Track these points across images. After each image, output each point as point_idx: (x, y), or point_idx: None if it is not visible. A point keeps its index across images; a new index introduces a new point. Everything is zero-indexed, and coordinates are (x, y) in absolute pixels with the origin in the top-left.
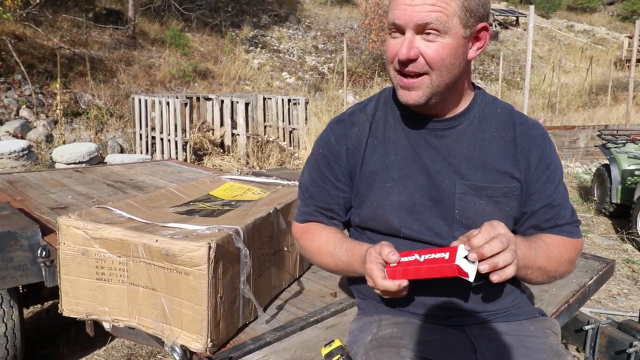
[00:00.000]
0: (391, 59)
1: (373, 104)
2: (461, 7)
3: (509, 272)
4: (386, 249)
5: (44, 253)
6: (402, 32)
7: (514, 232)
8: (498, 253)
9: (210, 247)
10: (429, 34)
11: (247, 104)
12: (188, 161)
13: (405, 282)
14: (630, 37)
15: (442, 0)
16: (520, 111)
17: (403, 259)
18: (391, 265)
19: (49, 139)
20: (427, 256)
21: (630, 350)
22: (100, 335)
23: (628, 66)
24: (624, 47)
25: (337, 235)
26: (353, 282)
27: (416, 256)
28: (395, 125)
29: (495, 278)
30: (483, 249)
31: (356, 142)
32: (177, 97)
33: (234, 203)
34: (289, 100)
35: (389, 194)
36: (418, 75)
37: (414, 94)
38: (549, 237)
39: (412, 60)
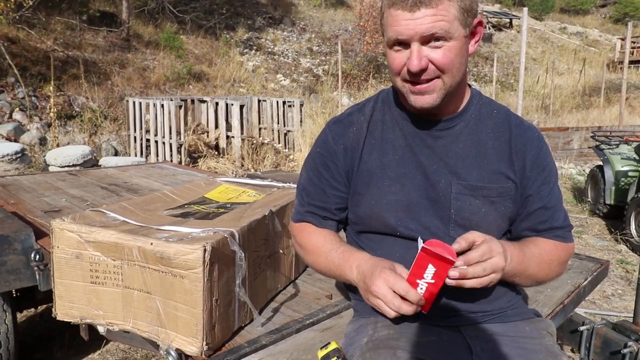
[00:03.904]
0: (398, 72)
1: (371, 105)
2: (459, 10)
3: (467, 284)
4: (412, 295)
5: (37, 257)
6: (407, 46)
7: (509, 232)
8: (474, 278)
9: (205, 250)
10: (435, 41)
11: (241, 107)
12: (183, 164)
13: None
14: (623, 39)
15: (441, 8)
16: (515, 113)
17: (418, 290)
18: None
19: (43, 141)
20: (428, 278)
21: (625, 350)
22: (95, 339)
23: (621, 68)
24: (616, 49)
25: (334, 238)
26: (349, 285)
27: (424, 283)
28: (392, 125)
29: (450, 282)
30: (467, 272)
31: (354, 142)
32: (171, 100)
33: (229, 205)
34: (284, 103)
35: (386, 193)
36: (429, 80)
37: (429, 97)
38: (543, 242)
39: (424, 70)
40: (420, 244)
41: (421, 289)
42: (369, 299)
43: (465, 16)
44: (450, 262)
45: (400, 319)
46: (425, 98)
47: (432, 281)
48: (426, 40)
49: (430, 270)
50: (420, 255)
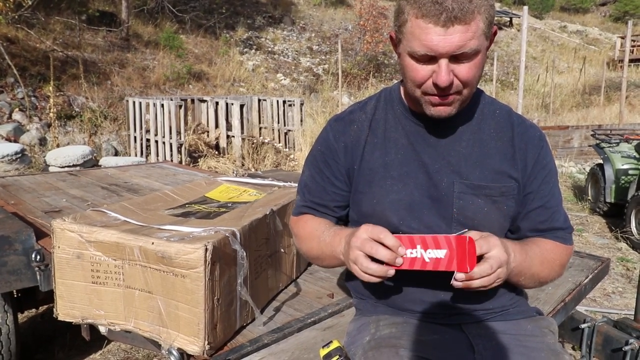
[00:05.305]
0: (420, 84)
1: (373, 103)
2: (485, 22)
3: (475, 285)
4: (390, 239)
5: (38, 257)
6: (433, 60)
7: (511, 232)
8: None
9: (206, 249)
10: (463, 56)
11: (242, 106)
12: (183, 163)
13: (392, 271)
14: (623, 38)
15: (473, 24)
16: (516, 112)
17: (408, 253)
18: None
19: (43, 142)
20: (430, 255)
21: (626, 348)
22: (96, 339)
23: (621, 66)
24: (616, 48)
25: (329, 223)
26: (351, 282)
27: (421, 252)
28: (395, 124)
29: (456, 284)
30: (473, 273)
31: (355, 140)
32: (171, 99)
33: (230, 205)
34: (284, 102)
35: (388, 192)
36: (451, 94)
37: (448, 109)
38: (544, 242)
39: (451, 85)
40: (467, 234)
41: (412, 253)
42: (349, 253)
43: (488, 28)
44: (463, 269)
45: (401, 315)
46: (445, 109)
47: (428, 260)
48: (455, 57)
49: (439, 253)
50: (456, 238)
